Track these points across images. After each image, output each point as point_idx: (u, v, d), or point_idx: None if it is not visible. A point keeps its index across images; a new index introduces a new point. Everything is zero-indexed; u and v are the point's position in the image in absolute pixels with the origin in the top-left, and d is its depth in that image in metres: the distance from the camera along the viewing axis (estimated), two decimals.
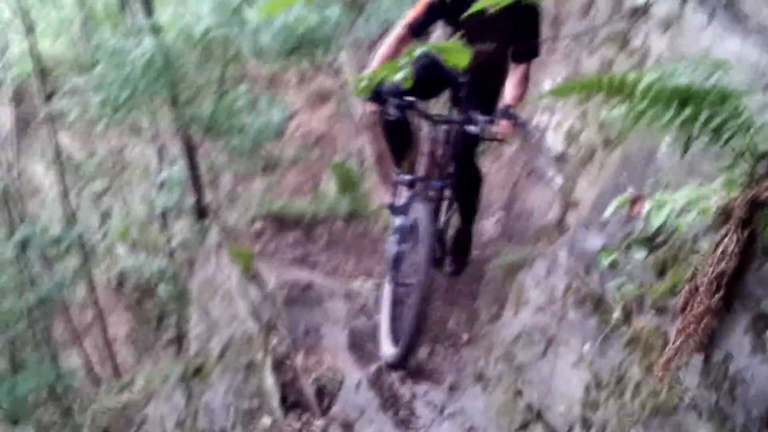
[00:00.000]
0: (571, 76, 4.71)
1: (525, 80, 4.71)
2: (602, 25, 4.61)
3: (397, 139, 5.14)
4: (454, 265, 5.36)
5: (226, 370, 5.58)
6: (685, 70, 2.46)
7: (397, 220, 5.06)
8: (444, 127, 4.87)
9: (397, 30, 4.75)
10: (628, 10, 4.42)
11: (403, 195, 5.17)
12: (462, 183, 5.07)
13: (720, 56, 3.48)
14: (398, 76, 2.61)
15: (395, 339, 4.89)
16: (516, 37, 4.61)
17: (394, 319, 5.00)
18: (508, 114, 4.53)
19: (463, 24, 3.89)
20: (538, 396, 3.76)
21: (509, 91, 4.63)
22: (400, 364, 4.82)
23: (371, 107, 4.74)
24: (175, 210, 10.49)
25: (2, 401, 10.43)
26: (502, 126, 4.51)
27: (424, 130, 5.07)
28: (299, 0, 1.85)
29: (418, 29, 4.67)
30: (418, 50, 3.34)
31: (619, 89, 2.48)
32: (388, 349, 4.95)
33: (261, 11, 2.29)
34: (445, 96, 5.28)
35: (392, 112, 4.63)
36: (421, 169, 5.08)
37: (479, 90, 4.89)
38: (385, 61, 4.55)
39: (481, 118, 4.58)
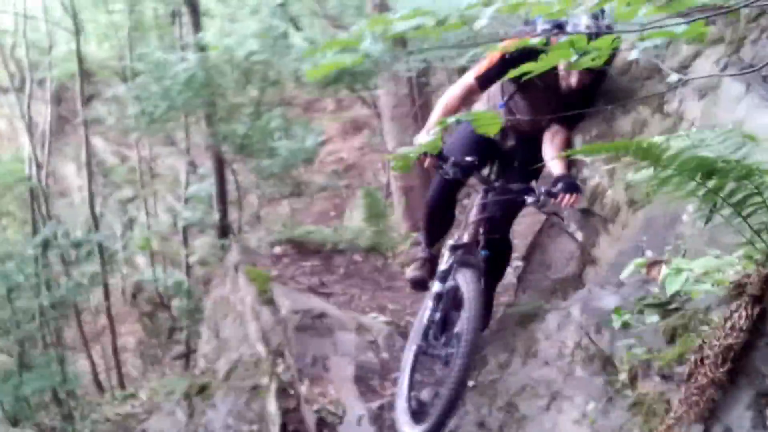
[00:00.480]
0: (604, 133, 4.71)
1: (568, 145, 4.62)
2: (639, 88, 4.63)
3: (440, 215, 5.00)
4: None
5: (231, 391, 5.58)
6: (713, 141, 2.47)
7: (436, 286, 4.64)
8: (499, 195, 4.59)
9: (465, 80, 4.64)
10: (666, 76, 4.43)
11: (445, 261, 4.75)
12: (499, 252, 4.88)
13: (753, 128, 3.50)
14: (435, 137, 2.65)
15: (416, 417, 4.36)
16: (572, 100, 4.47)
17: (413, 388, 4.54)
18: (572, 186, 4.37)
19: (528, 84, 3.90)
20: None
21: (555, 157, 4.48)
22: None
23: (432, 162, 4.46)
24: (198, 225, 10.58)
25: (6, 400, 10.45)
26: (567, 200, 4.33)
27: (477, 196, 4.79)
28: (345, 63, 1.87)
29: (488, 82, 4.53)
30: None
31: (647, 154, 2.49)
32: (408, 429, 4.36)
33: (308, 75, 2.29)
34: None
35: (451, 171, 4.42)
36: (465, 236, 4.71)
37: (525, 157, 4.70)
38: (450, 112, 4.52)
39: (542, 189, 4.39)
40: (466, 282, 4.42)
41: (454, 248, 4.66)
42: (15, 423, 10.46)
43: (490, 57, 4.46)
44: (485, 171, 4.92)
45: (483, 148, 4.70)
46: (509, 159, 4.88)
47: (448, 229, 5.03)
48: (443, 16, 1.69)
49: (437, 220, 5.03)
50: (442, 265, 4.73)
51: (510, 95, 4.67)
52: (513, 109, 4.74)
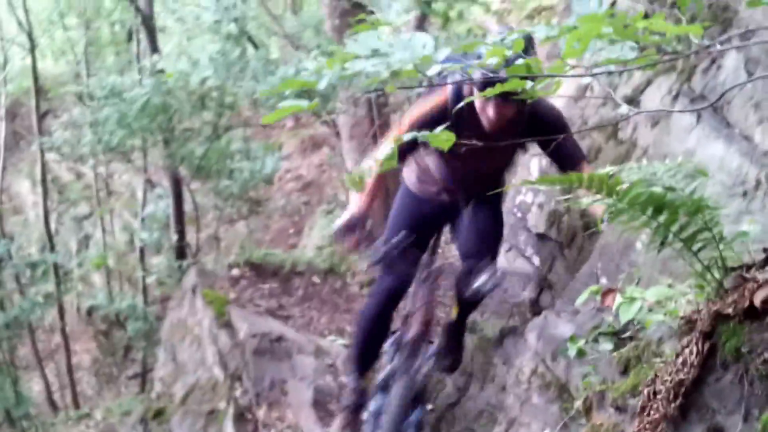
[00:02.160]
0: None
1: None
2: (591, 115, 4.69)
3: (381, 328, 4.17)
4: (451, 359, 4.30)
5: (188, 415, 5.54)
6: (664, 174, 2.51)
7: (375, 401, 4.09)
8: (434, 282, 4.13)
9: (398, 130, 3.88)
10: (622, 100, 4.50)
11: (386, 363, 4.20)
12: (467, 309, 4.25)
13: (704, 158, 3.57)
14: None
15: None
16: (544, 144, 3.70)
17: None
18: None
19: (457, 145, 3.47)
20: None
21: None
22: None
23: (356, 242, 3.83)
24: (154, 246, 10.49)
25: None
26: None
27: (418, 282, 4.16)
28: (302, 107, 1.84)
29: (404, 155, 3.82)
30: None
31: (599, 188, 2.52)
32: None
33: (264, 120, 2.23)
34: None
35: (381, 252, 3.83)
36: (411, 330, 4.09)
37: (481, 219, 4.09)
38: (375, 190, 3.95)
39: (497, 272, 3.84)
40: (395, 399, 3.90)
41: (397, 346, 4.15)
42: None
43: (425, 103, 3.82)
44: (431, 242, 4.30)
45: (426, 221, 4.15)
46: (461, 225, 4.20)
47: (381, 347, 4.21)
48: (397, 67, 1.71)
49: (376, 337, 4.19)
50: (382, 371, 4.15)
51: (447, 163, 3.97)
52: (459, 173, 4.00)
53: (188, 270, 7.19)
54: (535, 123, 3.59)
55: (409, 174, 4.16)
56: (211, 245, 11.75)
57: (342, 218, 3.85)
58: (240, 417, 5.25)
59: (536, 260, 4.89)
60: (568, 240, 4.54)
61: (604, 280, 3.61)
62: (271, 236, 12.41)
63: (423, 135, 2.09)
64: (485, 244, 4.02)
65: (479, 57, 2.65)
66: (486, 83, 2.95)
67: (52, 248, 12.43)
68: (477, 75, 3.13)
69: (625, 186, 2.47)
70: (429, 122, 3.33)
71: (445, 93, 3.71)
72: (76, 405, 12.22)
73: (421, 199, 4.11)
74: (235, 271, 7.06)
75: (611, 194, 2.54)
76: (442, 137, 2.06)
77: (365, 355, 4.19)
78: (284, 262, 7.34)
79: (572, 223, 4.52)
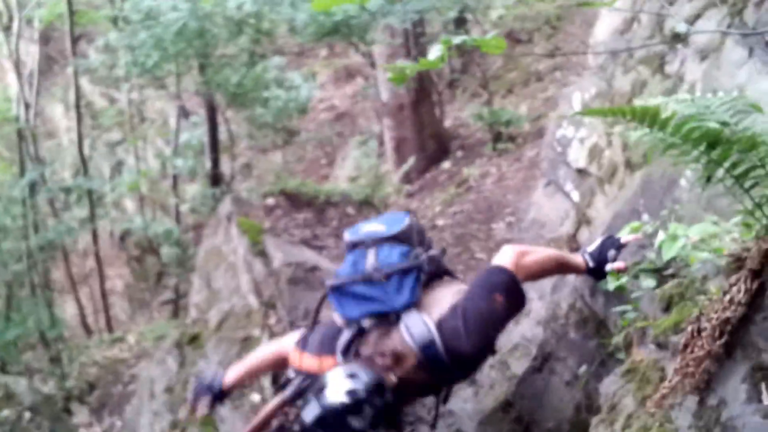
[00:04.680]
0: (603, 92, 4.67)
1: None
2: (640, 45, 4.56)
3: None
4: None
5: (222, 341, 5.60)
6: (718, 108, 2.45)
7: None
8: None
9: (284, 344, 3.77)
10: (669, 34, 4.39)
11: None
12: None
13: (755, 94, 3.48)
14: None
15: None
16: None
17: None
18: None
19: None
20: (528, 409, 3.78)
21: None
22: None
23: None
24: (188, 173, 10.52)
25: None
26: None
27: None
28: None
29: None
30: None
31: (651, 121, 2.46)
32: None
33: (313, 6, 2.16)
34: None
35: None
36: None
37: None
38: (252, 372, 3.89)
39: None
40: None
41: None
42: (2, 366, 10.50)
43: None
44: None
45: None
46: None
47: None
48: None
49: None
50: None
51: None
52: None
53: (223, 198, 7.21)
54: None
55: None
56: (245, 174, 11.77)
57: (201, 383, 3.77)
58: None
59: (575, 195, 4.83)
60: (609, 175, 4.47)
61: (645, 217, 3.56)
62: (303, 167, 12.41)
63: None
64: None
65: None
66: None
67: (86, 173, 12.51)
68: None
69: (677, 120, 2.41)
70: None
71: None
72: (110, 329, 12.43)
73: None
74: (270, 201, 7.08)
75: (663, 128, 2.48)
76: None
77: None
78: (319, 192, 7.34)
79: (614, 158, 4.45)
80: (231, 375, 3.80)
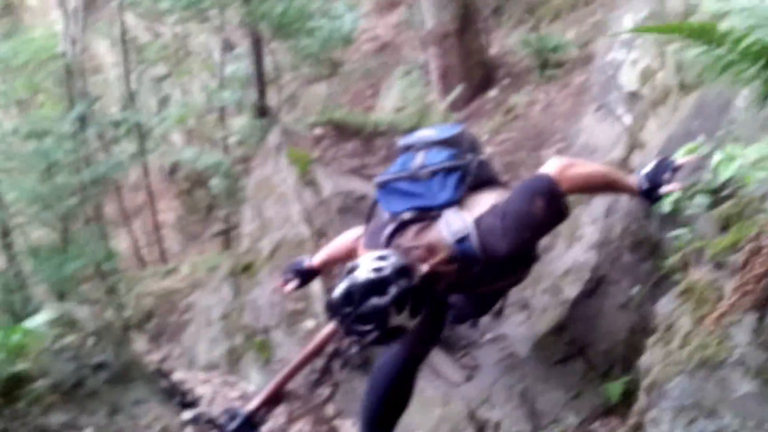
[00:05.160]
0: (656, 13, 4.58)
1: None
2: None
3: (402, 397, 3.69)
4: None
5: (275, 270, 5.69)
6: None
7: None
8: None
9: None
10: None
11: None
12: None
13: None
14: None
15: None
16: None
17: None
18: None
19: None
20: (581, 332, 3.82)
21: None
22: None
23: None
24: (235, 105, 10.55)
25: (51, 276, 10.71)
26: None
27: None
28: None
29: None
30: None
31: (708, 37, 2.43)
32: None
33: None
34: None
35: None
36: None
37: None
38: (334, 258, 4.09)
39: None
40: None
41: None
42: (61, 297, 10.77)
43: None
44: None
45: None
46: None
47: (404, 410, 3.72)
48: None
49: (395, 408, 3.69)
50: None
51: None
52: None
53: (271, 129, 7.23)
54: None
55: None
56: (291, 105, 11.77)
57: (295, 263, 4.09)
58: (326, 272, 5.38)
59: (627, 119, 4.77)
60: (662, 97, 4.40)
61: (700, 139, 3.52)
62: (348, 98, 12.36)
63: None
64: None
65: None
66: None
67: (134, 107, 12.62)
68: None
69: (735, 35, 2.38)
70: None
71: None
72: (163, 260, 12.67)
73: None
74: (318, 131, 7.09)
75: (720, 44, 2.44)
76: None
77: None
78: (366, 122, 7.33)
79: (667, 80, 4.38)
80: (317, 258, 4.11)
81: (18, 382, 3.46)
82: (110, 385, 3.83)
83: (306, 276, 4.10)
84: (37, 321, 3.98)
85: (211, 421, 4.35)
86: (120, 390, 3.88)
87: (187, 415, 4.15)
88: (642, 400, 2.68)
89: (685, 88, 4.20)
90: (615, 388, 3.50)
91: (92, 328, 4.14)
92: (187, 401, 4.48)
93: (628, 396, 3.36)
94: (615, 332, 3.56)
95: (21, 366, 3.53)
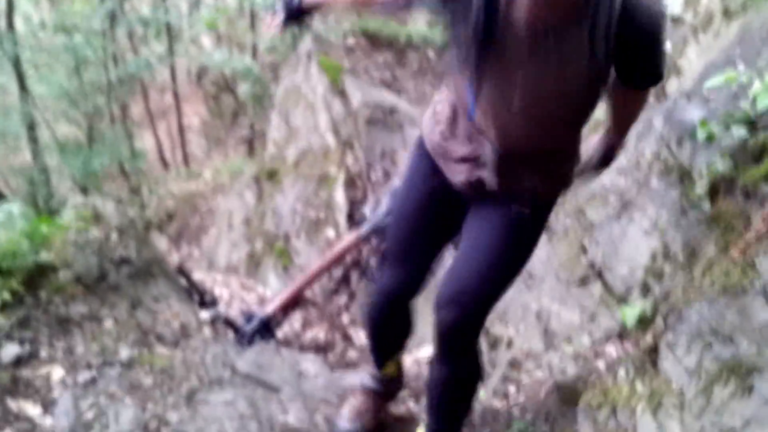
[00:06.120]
0: None
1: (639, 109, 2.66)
2: None
3: (381, 332, 3.18)
4: None
5: (299, 178, 5.70)
6: None
7: None
8: None
9: None
10: None
11: None
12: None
13: None
14: None
15: None
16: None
17: None
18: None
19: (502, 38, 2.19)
20: (602, 255, 3.79)
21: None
22: None
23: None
24: (267, 10, 10.42)
25: (77, 171, 10.80)
26: None
27: None
28: None
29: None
30: None
31: None
32: None
33: None
34: None
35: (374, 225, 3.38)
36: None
37: (478, 250, 2.63)
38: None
39: None
40: None
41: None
42: (84, 193, 10.87)
43: None
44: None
45: (424, 203, 2.81)
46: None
47: (407, 336, 3.19)
48: None
49: (385, 340, 3.23)
50: None
51: (478, 78, 2.32)
52: (491, 111, 2.40)
53: (303, 36, 7.14)
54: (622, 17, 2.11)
55: (427, 118, 2.74)
56: (323, 15, 11.59)
57: None
58: (351, 183, 5.38)
59: (667, 44, 4.66)
60: (705, 23, 4.29)
61: (741, 67, 3.44)
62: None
63: None
64: (465, 295, 2.59)
65: None
66: None
67: (165, 7, 12.51)
68: None
69: None
70: None
71: None
72: (187, 164, 12.73)
73: (427, 170, 2.76)
74: (350, 41, 6.99)
75: None
76: None
77: (378, 354, 3.31)
78: (399, 34, 7.21)
79: (710, 6, 4.26)
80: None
81: (41, 271, 3.50)
82: (132, 280, 3.87)
83: (296, 12, 2.92)
84: (65, 217, 4.03)
85: (228, 322, 4.41)
86: (141, 286, 3.92)
87: (206, 314, 4.21)
88: (659, 323, 2.68)
89: (728, 14, 4.09)
90: (631, 313, 3.49)
91: (116, 223, 4.17)
92: (205, 301, 4.53)
93: (644, 322, 3.35)
94: (636, 257, 3.53)
95: (45, 256, 3.57)
